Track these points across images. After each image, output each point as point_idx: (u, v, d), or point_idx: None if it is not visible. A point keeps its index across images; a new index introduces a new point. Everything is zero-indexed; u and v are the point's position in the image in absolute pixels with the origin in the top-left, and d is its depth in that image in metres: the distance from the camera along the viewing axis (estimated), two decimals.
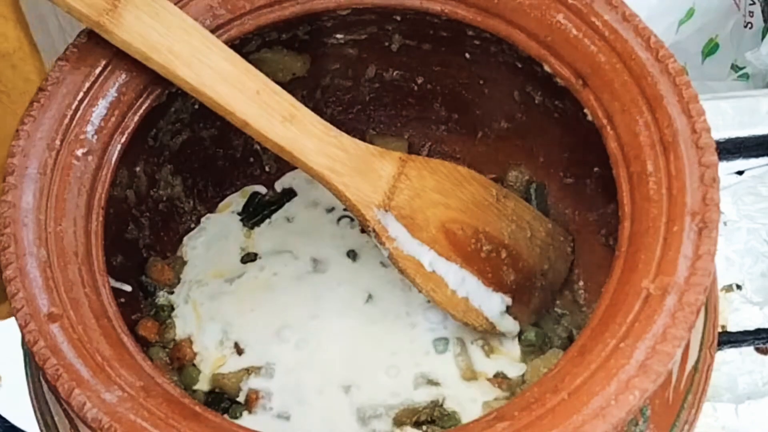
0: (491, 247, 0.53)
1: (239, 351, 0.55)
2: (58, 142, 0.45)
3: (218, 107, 0.47)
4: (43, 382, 0.46)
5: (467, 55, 0.54)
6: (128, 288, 0.55)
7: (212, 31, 0.48)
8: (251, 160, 0.60)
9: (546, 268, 0.56)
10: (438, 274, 0.52)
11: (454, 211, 0.53)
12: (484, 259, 0.53)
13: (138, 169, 0.54)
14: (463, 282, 0.53)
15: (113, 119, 0.46)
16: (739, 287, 0.64)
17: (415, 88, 0.59)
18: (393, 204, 0.50)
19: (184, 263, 0.58)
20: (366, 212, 0.50)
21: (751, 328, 0.62)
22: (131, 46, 0.45)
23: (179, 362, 0.54)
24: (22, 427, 0.61)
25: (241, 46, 0.50)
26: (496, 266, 0.54)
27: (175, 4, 0.47)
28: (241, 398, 0.53)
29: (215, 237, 0.59)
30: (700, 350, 0.46)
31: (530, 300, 0.55)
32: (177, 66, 0.46)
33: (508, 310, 0.54)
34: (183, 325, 0.56)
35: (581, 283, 0.57)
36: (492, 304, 0.54)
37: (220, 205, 0.60)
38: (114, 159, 0.46)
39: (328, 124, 0.49)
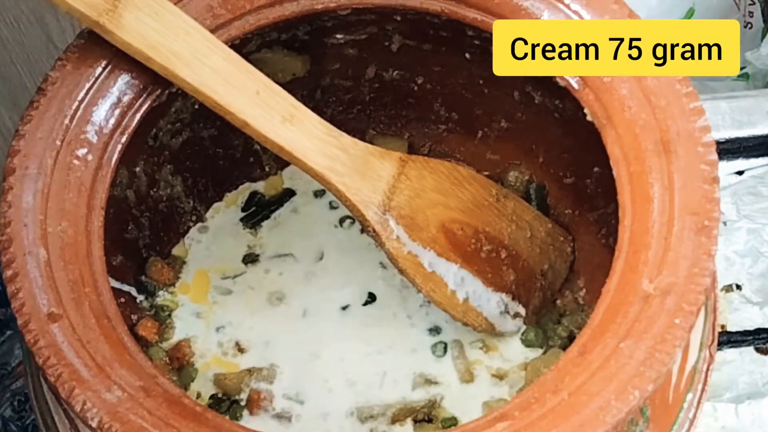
0: (491, 247, 0.53)
1: (240, 351, 0.55)
2: (58, 142, 0.45)
3: (218, 107, 0.47)
4: (43, 382, 0.46)
5: (467, 55, 0.54)
6: (128, 288, 0.55)
7: (212, 31, 0.48)
8: (251, 160, 0.60)
9: (546, 268, 0.56)
10: (438, 274, 0.52)
11: (453, 211, 0.53)
12: (483, 259, 0.53)
13: (138, 169, 0.54)
14: (462, 282, 0.53)
15: (113, 119, 0.46)
16: (739, 287, 0.64)
17: (415, 88, 0.59)
18: (393, 204, 0.50)
19: (184, 263, 0.58)
20: (366, 212, 0.50)
21: (751, 328, 0.62)
22: (131, 46, 0.45)
23: (179, 362, 0.54)
24: None
25: (241, 46, 0.50)
26: (495, 266, 0.54)
27: (175, 4, 0.47)
28: (242, 399, 0.53)
29: (216, 237, 0.59)
30: (700, 350, 0.46)
31: (530, 300, 0.55)
32: (177, 66, 0.46)
33: (508, 310, 0.54)
34: (183, 325, 0.56)
35: (581, 283, 0.57)
36: (492, 304, 0.54)
37: (220, 204, 0.60)
38: (114, 159, 0.46)
39: (328, 124, 0.49)
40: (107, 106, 0.46)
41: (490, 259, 0.54)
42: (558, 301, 0.57)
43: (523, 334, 0.55)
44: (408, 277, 0.52)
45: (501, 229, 0.54)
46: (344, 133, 0.50)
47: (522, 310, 0.55)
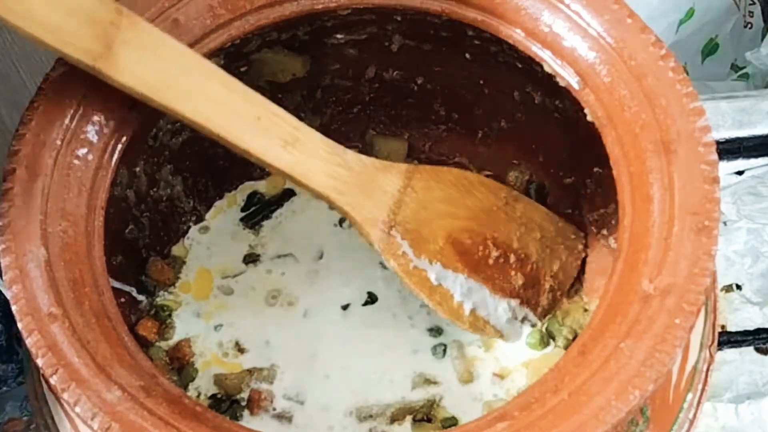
0: (499, 252, 0.53)
1: (241, 351, 0.55)
2: (58, 142, 0.45)
3: (219, 138, 0.45)
4: (43, 382, 0.46)
5: (467, 55, 0.54)
6: (128, 288, 0.55)
7: (212, 31, 0.48)
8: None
9: (556, 269, 0.55)
10: (444, 286, 0.51)
11: (461, 220, 0.52)
12: (491, 265, 0.53)
13: (138, 169, 0.54)
14: (469, 292, 0.52)
15: (113, 119, 0.46)
16: (739, 287, 0.64)
17: (415, 88, 0.59)
18: (398, 219, 0.50)
19: (184, 263, 0.58)
20: (371, 231, 0.49)
21: (751, 328, 0.62)
22: (131, 89, 0.44)
23: (179, 362, 0.54)
24: None
25: (241, 46, 0.50)
26: (504, 272, 0.53)
27: (175, 4, 0.47)
28: (243, 399, 0.53)
29: (216, 237, 0.59)
30: (700, 350, 0.46)
31: (539, 302, 0.55)
32: (176, 102, 0.44)
33: (516, 315, 0.54)
34: (183, 325, 0.56)
35: (582, 283, 0.57)
36: (499, 311, 0.53)
37: (220, 204, 0.60)
38: (114, 159, 0.46)
39: (332, 142, 0.48)
40: (107, 106, 0.46)
41: (498, 265, 0.53)
42: (563, 300, 0.56)
43: (527, 336, 0.55)
44: (414, 291, 0.51)
45: (510, 234, 0.54)
46: (348, 150, 0.49)
47: (530, 314, 0.55)
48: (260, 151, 0.46)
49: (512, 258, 0.53)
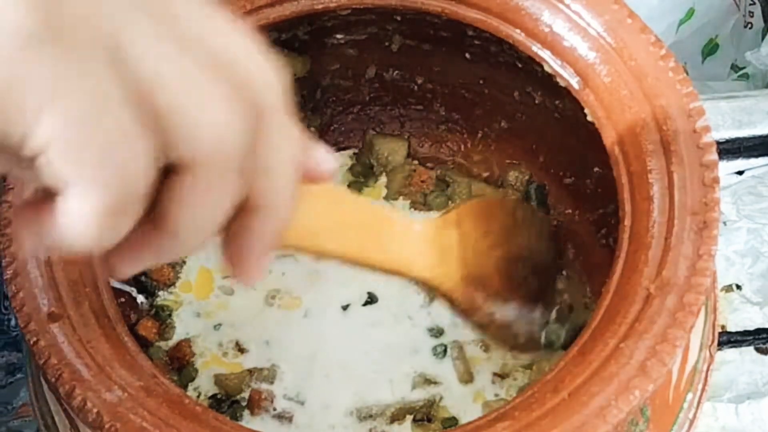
0: (521, 265, 0.52)
1: (241, 351, 0.55)
2: None
3: (349, 263, 0.42)
4: (43, 382, 0.46)
5: (467, 55, 0.54)
6: (128, 288, 0.55)
7: None
8: None
9: (544, 256, 0.55)
10: (508, 320, 0.51)
11: (496, 249, 0.51)
12: (521, 281, 0.52)
13: None
14: (519, 317, 0.51)
15: None
16: (739, 287, 0.64)
17: (415, 88, 0.59)
18: (468, 271, 0.48)
19: (184, 263, 0.58)
20: (454, 295, 0.47)
21: (751, 328, 0.62)
22: (293, 247, 0.39)
23: (179, 362, 0.54)
24: None
25: None
26: (527, 282, 0.53)
27: None
28: (243, 399, 0.53)
29: (216, 237, 0.59)
30: (700, 350, 0.46)
31: (545, 295, 0.55)
32: (326, 244, 0.39)
33: (543, 317, 0.54)
34: (183, 325, 0.56)
35: (584, 283, 0.57)
36: (536, 323, 0.53)
37: None
38: None
39: (413, 220, 0.45)
40: None
41: (523, 277, 0.52)
42: (565, 297, 0.56)
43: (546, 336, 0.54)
44: (488, 335, 0.50)
45: (521, 243, 0.53)
46: (414, 219, 0.46)
47: (545, 312, 0.54)
48: (378, 262, 0.43)
49: (528, 265, 0.53)
